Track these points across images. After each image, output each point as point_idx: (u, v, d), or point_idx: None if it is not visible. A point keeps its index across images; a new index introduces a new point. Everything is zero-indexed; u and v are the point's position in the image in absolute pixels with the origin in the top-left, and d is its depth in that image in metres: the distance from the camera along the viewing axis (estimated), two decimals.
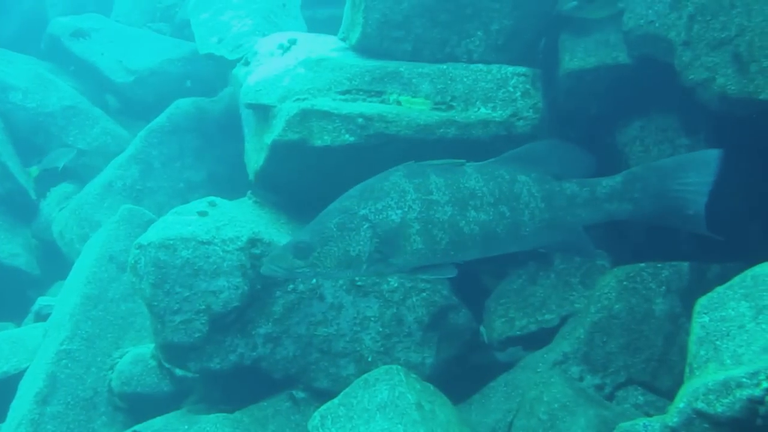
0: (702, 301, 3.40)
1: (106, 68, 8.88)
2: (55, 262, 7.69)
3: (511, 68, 5.00)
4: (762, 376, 2.90)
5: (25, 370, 6.00)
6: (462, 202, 3.82)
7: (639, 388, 4.53)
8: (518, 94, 4.90)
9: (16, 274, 7.57)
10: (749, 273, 3.33)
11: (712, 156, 3.90)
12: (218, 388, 5.34)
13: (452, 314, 5.11)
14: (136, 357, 5.73)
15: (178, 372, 5.50)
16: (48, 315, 6.42)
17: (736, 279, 3.36)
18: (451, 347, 5.10)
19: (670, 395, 4.42)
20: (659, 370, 4.54)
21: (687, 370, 3.34)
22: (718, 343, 3.22)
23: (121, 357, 5.87)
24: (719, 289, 3.40)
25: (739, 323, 3.22)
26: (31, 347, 6.18)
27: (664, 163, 4.04)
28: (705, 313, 3.35)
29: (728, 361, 3.13)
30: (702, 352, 3.26)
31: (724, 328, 3.25)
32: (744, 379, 2.93)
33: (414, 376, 4.26)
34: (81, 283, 6.14)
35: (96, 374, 5.77)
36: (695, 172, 3.89)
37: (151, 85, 8.84)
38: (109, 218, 6.75)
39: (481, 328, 5.25)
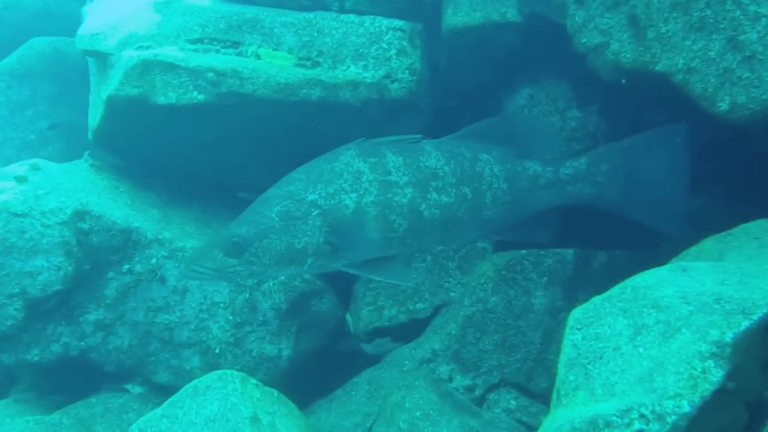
0: (576, 314, 2.88)
1: None
2: None
3: (386, 21, 4.35)
4: (634, 414, 2.40)
5: None
6: (423, 184, 3.46)
7: (512, 390, 4.09)
8: (393, 52, 4.26)
9: None
10: (629, 283, 2.81)
11: (677, 131, 3.57)
12: (46, 378, 4.65)
13: (315, 301, 4.57)
14: None
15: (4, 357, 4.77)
16: None
17: (615, 289, 2.85)
18: (312, 338, 4.59)
19: (545, 398, 4.05)
20: (535, 371, 4.11)
21: (554, 395, 2.82)
22: (589, 367, 2.71)
23: None
24: (596, 300, 2.88)
25: (614, 344, 2.70)
26: None
27: (631, 141, 3.70)
28: (578, 329, 2.83)
29: (599, 391, 2.62)
30: (571, 377, 2.74)
31: (597, 349, 2.73)
32: (614, 418, 2.42)
33: (254, 382, 3.66)
34: None
35: None
36: (664, 151, 3.58)
37: (3, 20, 7.78)
38: None
39: (347, 316, 4.69)
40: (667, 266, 2.83)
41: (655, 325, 2.62)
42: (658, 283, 2.70)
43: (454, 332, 4.16)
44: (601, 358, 2.71)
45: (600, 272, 4.11)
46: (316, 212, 3.29)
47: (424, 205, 3.42)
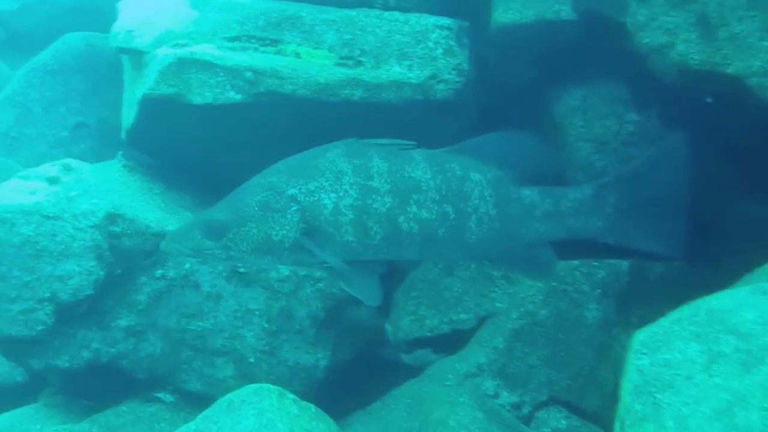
0: (641, 337, 2.67)
1: None
2: None
3: (432, 19, 4.16)
4: None
5: None
6: (404, 194, 3.30)
7: (562, 409, 3.90)
8: (439, 51, 4.07)
9: None
10: (702, 305, 2.60)
11: (676, 142, 3.38)
12: (76, 383, 4.53)
13: (352, 309, 4.40)
14: None
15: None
16: None
17: (685, 311, 2.64)
18: (349, 347, 4.43)
19: (597, 418, 3.88)
20: (587, 388, 3.91)
21: (617, 425, 2.62)
22: (658, 396, 2.50)
23: None
24: (664, 322, 2.67)
25: (686, 372, 2.50)
26: None
27: (635, 167, 3.51)
28: (644, 354, 2.62)
29: (670, 424, 2.42)
30: (638, 406, 2.54)
31: (667, 377, 2.53)
32: None
33: (291, 397, 3.49)
34: None
35: None
36: (667, 168, 3.41)
37: (39, 15, 7.70)
38: None
39: (387, 325, 4.50)
40: (747, 288, 2.61)
41: (734, 354, 2.41)
42: (737, 307, 2.49)
43: (500, 346, 3.97)
44: (671, 387, 2.51)
45: (656, 285, 3.90)
46: (294, 207, 3.23)
47: (402, 217, 3.30)
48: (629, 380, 2.62)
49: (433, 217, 3.31)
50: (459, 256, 3.57)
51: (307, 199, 3.24)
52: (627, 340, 3.82)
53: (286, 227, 3.21)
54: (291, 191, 3.25)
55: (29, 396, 4.75)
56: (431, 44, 4.08)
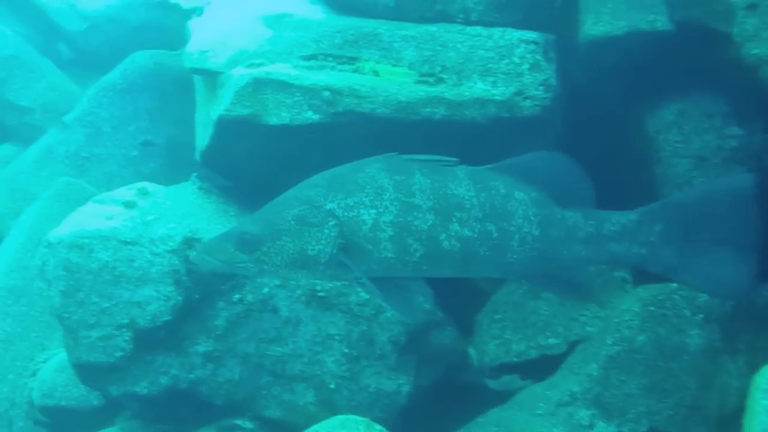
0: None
1: (55, 12, 7.77)
2: None
3: (518, 33, 4.02)
4: None
5: None
6: (446, 212, 3.19)
7: None
8: (526, 66, 3.92)
9: None
10: None
11: (744, 183, 3.21)
12: (152, 408, 4.47)
13: (435, 333, 4.26)
14: (60, 364, 4.87)
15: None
16: None
17: None
18: (432, 372, 4.27)
19: None
20: (690, 420, 3.71)
21: None
22: None
23: (45, 362, 4.99)
24: None
25: None
26: None
27: (687, 197, 3.40)
28: None
29: None
30: None
31: None
32: None
33: (378, 428, 3.36)
34: (2, 272, 5.24)
35: (14, 382, 4.99)
36: (728, 207, 3.23)
37: (106, 34, 7.75)
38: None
39: (470, 350, 4.35)
40: None
41: None
42: None
43: (595, 373, 3.79)
44: None
45: (765, 310, 3.65)
46: (332, 222, 3.14)
47: (444, 235, 3.20)
48: (759, 421, 2.43)
49: (476, 235, 3.22)
50: (498, 275, 3.51)
51: (346, 214, 3.15)
52: (736, 369, 3.62)
53: (323, 242, 3.12)
54: (329, 206, 3.15)
55: (105, 420, 4.74)
56: (516, 59, 3.93)
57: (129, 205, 4.18)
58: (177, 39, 7.33)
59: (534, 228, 3.26)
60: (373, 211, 3.15)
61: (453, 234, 3.18)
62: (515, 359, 4.16)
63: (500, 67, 3.94)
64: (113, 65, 6.96)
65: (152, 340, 4.09)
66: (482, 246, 3.21)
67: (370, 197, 3.16)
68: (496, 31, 4.03)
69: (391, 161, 3.26)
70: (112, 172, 6.55)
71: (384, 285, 3.22)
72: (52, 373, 4.84)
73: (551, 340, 4.10)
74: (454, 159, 3.32)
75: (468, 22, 4.18)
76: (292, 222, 3.11)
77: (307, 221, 3.12)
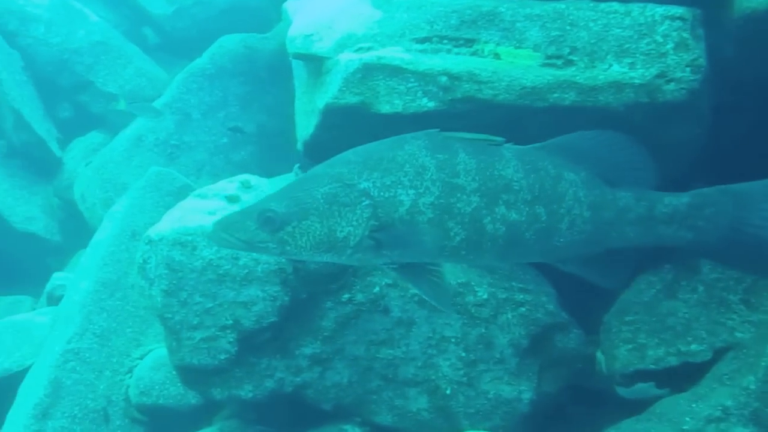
0: None
1: None
2: (80, 225, 6.64)
3: (661, 8, 3.63)
4: None
5: (29, 367, 5.05)
6: (492, 194, 3.06)
7: None
8: (670, 45, 3.54)
9: (33, 241, 6.59)
10: None
11: None
12: (253, 409, 4.31)
13: (559, 336, 3.97)
14: (157, 361, 4.77)
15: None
16: (61, 298, 5.40)
17: None
18: (556, 379, 4.00)
19: None
20: None
21: None
22: None
23: (141, 358, 4.87)
24: None
25: None
26: (38, 338, 5.25)
27: (745, 188, 3.25)
28: None
29: None
30: None
31: None
32: None
33: None
34: (96, 266, 5.11)
35: (110, 379, 4.89)
36: None
37: (193, 17, 7.61)
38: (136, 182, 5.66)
39: (598, 354, 4.04)
40: None
41: None
42: None
43: (752, 387, 3.40)
44: None
45: None
46: (366, 202, 2.97)
47: (488, 218, 3.06)
48: None
49: (523, 219, 3.10)
50: (541, 259, 3.37)
51: (382, 194, 2.96)
52: None
53: (354, 224, 2.95)
54: (363, 184, 2.97)
55: (203, 419, 4.61)
56: (659, 38, 3.55)
57: (232, 199, 3.98)
58: (266, 21, 7.16)
59: (585, 210, 3.15)
60: (413, 191, 2.97)
61: (498, 217, 3.04)
62: (652, 366, 3.79)
63: (639, 47, 3.58)
64: (200, 50, 6.85)
65: (257, 342, 3.91)
66: (529, 230, 3.08)
67: (410, 177, 2.98)
68: (635, 7, 3.65)
69: (432, 138, 3.07)
70: (202, 160, 6.42)
71: (416, 271, 3.08)
72: (149, 371, 4.73)
73: (694, 346, 3.72)
74: (500, 138, 3.14)
75: None
76: (321, 200, 2.94)
77: (338, 200, 2.94)
